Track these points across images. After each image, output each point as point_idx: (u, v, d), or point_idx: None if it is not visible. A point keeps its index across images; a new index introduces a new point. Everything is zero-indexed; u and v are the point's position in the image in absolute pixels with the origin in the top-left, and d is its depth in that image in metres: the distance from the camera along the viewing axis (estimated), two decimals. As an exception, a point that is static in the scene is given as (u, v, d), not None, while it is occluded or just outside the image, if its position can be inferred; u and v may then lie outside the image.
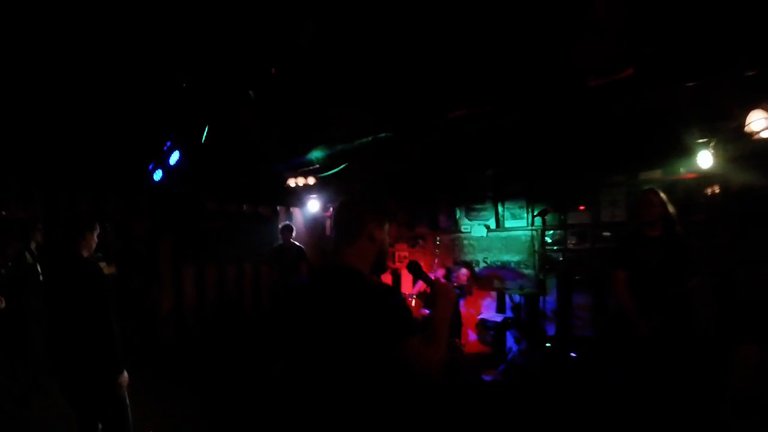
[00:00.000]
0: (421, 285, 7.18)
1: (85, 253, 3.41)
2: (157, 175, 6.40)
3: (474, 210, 7.90)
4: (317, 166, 6.41)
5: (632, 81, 3.76)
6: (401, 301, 1.98)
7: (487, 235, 7.69)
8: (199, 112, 5.54)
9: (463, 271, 7.39)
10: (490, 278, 7.59)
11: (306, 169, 6.95)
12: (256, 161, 6.99)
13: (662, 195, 4.18)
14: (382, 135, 4.95)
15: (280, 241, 8.25)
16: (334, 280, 1.99)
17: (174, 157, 6.09)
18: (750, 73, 3.68)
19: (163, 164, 6.19)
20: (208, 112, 5.51)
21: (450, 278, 7.46)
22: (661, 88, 4.21)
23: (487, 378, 6.29)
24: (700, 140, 5.09)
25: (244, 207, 9.43)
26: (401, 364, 1.82)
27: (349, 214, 2.07)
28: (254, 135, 6.09)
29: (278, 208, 9.97)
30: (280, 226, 8.46)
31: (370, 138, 5.10)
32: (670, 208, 4.17)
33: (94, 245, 3.51)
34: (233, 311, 8.99)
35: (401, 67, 4.22)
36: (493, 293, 7.67)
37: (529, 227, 7.10)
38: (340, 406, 1.85)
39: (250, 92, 4.83)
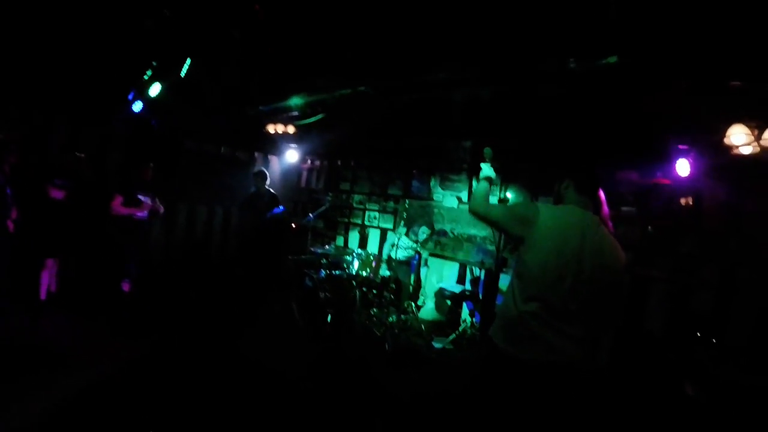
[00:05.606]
0: None
1: None
2: (137, 106, 6.28)
3: (449, 180, 7.93)
4: (296, 113, 6.34)
5: (614, 69, 3.76)
6: None
7: (457, 207, 7.74)
8: (181, 44, 5.44)
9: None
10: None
11: (285, 115, 6.88)
12: (238, 102, 6.89)
13: None
14: (361, 88, 4.91)
15: (253, 188, 8.21)
16: None
17: (155, 89, 5.99)
18: (734, 84, 3.74)
19: (144, 95, 6.09)
20: (191, 44, 5.42)
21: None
22: (646, 90, 4.24)
23: (437, 345, 6.39)
24: (680, 148, 5.16)
25: (222, 149, 9.31)
26: None
27: None
28: (237, 75, 6.01)
29: (256, 154, 9.86)
30: (253, 171, 8.36)
31: (349, 90, 5.05)
32: None
33: None
34: (199, 253, 8.97)
35: (387, 22, 4.17)
36: (455, 264, 7.75)
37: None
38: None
39: (235, 32, 4.75)
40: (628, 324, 5.69)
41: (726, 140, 4.58)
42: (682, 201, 5.75)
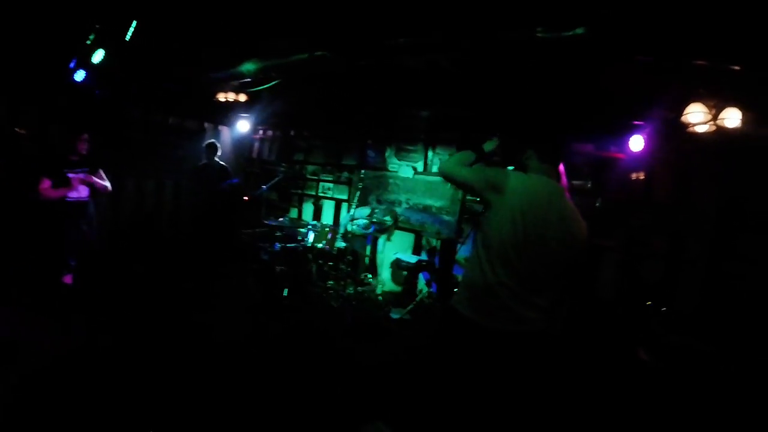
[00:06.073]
0: None
1: None
2: (80, 75, 5.89)
3: (404, 150, 7.86)
4: (249, 79, 6.08)
5: (579, 41, 3.70)
6: None
7: (413, 177, 7.70)
8: (125, 4, 5.14)
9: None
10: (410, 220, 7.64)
11: (237, 82, 6.62)
12: (187, 68, 6.56)
13: None
14: (319, 53, 4.72)
15: (205, 160, 7.96)
16: None
17: (98, 56, 5.64)
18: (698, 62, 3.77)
19: (87, 63, 5.71)
20: (136, 4, 5.12)
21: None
22: (608, 63, 4.21)
23: (395, 316, 6.40)
24: (636, 124, 5.21)
25: (170, 119, 8.93)
26: None
27: None
28: (185, 38, 5.71)
29: (206, 124, 9.51)
30: (204, 143, 8.11)
31: (305, 55, 4.84)
32: None
33: None
34: (149, 228, 8.65)
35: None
36: (411, 234, 7.74)
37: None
38: None
39: None
40: (583, 292, 5.81)
41: (683, 118, 4.64)
42: (633, 176, 5.88)
